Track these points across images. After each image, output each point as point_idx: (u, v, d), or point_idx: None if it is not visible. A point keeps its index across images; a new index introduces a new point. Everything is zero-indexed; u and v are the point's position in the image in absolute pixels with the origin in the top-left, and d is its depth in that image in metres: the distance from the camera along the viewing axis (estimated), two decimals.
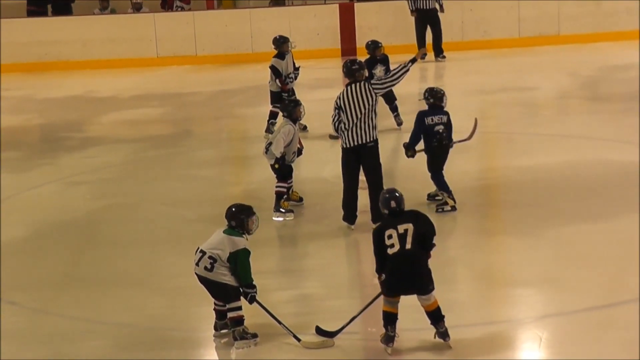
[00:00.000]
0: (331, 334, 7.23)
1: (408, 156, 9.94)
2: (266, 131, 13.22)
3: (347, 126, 9.33)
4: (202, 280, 7.25)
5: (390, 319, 6.96)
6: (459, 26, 19.90)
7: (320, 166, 11.72)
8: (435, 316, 6.94)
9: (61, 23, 20.77)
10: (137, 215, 10.71)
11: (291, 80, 13.24)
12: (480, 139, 13.36)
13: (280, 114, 11.11)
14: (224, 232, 7.28)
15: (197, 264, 7.22)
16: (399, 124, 13.23)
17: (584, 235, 9.15)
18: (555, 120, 13.86)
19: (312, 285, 8.56)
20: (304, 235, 9.89)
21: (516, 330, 7.40)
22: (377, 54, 13.21)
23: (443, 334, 6.96)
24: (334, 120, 9.43)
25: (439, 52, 18.94)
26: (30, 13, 21.72)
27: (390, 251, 6.83)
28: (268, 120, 13.29)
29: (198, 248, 7.27)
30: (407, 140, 10.02)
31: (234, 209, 7.36)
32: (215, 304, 7.39)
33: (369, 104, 9.30)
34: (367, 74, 10.08)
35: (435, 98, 10.00)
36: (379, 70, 13.08)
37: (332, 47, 20.15)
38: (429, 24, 18.88)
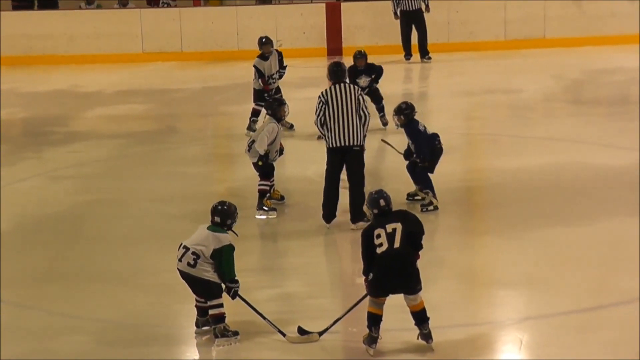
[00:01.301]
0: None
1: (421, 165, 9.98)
2: (248, 129, 13.25)
3: (331, 124, 9.35)
4: (185, 276, 7.24)
5: (375, 320, 6.95)
6: (444, 27, 19.94)
7: (305, 165, 11.72)
8: (421, 317, 6.95)
9: (47, 17, 20.73)
10: (121, 211, 10.69)
11: (274, 80, 13.27)
12: (465, 140, 13.46)
13: (264, 112, 11.09)
14: (208, 228, 7.28)
15: (180, 260, 7.20)
16: (385, 124, 13.25)
17: (567, 237, 9.19)
18: (539, 123, 13.91)
19: (294, 284, 8.56)
20: (286, 233, 9.89)
21: (497, 332, 7.42)
22: (358, 64, 13.18)
23: (426, 335, 6.97)
24: (318, 115, 9.43)
25: (424, 53, 18.97)
26: (16, 7, 21.65)
27: (378, 250, 6.82)
28: (250, 118, 13.31)
29: (181, 244, 7.26)
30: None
31: (218, 206, 7.36)
32: (196, 300, 7.37)
33: (355, 103, 9.35)
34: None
35: (413, 109, 10.01)
36: (362, 81, 13.12)
37: (319, 47, 20.18)
38: (414, 25, 18.90)
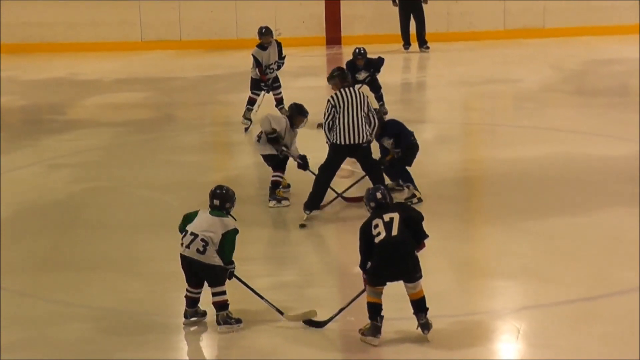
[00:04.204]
0: (319, 324, 7.24)
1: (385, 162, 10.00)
2: (243, 117, 13.26)
3: (340, 124, 9.45)
4: (190, 262, 7.18)
5: (376, 309, 6.95)
6: (444, 17, 19.93)
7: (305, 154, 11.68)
8: (419, 305, 6.94)
9: (46, 5, 20.65)
10: (118, 199, 10.69)
11: (271, 70, 13.26)
12: (463, 130, 13.46)
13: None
14: (211, 213, 7.26)
15: (187, 247, 7.15)
16: (384, 113, 13.24)
17: (565, 228, 9.19)
18: (539, 113, 13.89)
19: (292, 273, 8.56)
20: (287, 222, 9.87)
21: (494, 322, 7.42)
22: (358, 63, 13.15)
23: (423, 325, 6.97)
24: (327, 119, 9.52)
25: (422, 42, 18.95)
26: None
27: (376, 239, 6.84)
28: (246, 106, 13.31)
29: (187, 231, 7.22)
30: None
31: (217, 190, 7.36)
32: (188, 290, 7.32)
33: (364, 106, 9.50)
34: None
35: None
36: (362, 75, 13.12)
37: (318, 35, 20.15)
38: (412, 14, 18.88)
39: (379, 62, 13.26)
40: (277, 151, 10.03)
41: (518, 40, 19.56)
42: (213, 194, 7.36)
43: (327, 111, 9.53)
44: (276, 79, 13.39)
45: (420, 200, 9.86)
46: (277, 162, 10.15)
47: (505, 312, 7.55)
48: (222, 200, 7.33)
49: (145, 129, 13.94)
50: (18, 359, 7.10)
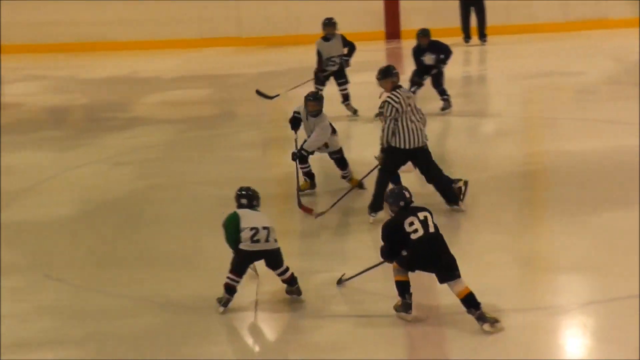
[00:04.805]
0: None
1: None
2: None
3: (401, 127, 9.24)
4: (257, 253, 7.56)
5: (405, 287, 7.24)
6: (504, 10, 19.73)
7: (364, 148, 11.63)
8: (470, 302, 6.99)
9: (105, 4, 20.83)
10: (179, 195, 10.74)
11: (333, 63, 13.22)
12: (524, 123, 13.33)
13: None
14: (253, 209, 7.76)
15: (253, 241, 7.53)
16: (447, 107, 13.16)
17: (629, 222, 9.03)
18: (600, 106, 13.70)
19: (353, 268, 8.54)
20: (349, 212, 9.84)
21: (561, 317, 7.34)
22: (422, 42, 13.08)
23: (479, 318, 6.96)
24: (389, 123, 9.21)
25: (482, 35, 18.83)
26: None
27: (414, 236, 7.10)
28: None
29: (244, 228, 7.53)
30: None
31: (244, 192, 7.86)
32: (234, 280, 7.60)
33: (413, 105, 9.33)
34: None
35: None
36: (427, 58, 13.02)
37: (376, 30, 20.07)
38: (473, 7, 18.76)
39: (447, 50, 13.09)
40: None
41: (579, 32, 19.33)
42: (244, 195, 7.83)
43: (389, 113, 9.25)
44: (342, 74, 13.36)
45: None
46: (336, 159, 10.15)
47: (571, 307, 7.46)
48: (249, 199, 7.81)
49: (205, 126, 14.00)
50: (79, 353, 7.17)
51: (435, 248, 7.12)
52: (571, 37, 19.09)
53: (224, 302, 7.63)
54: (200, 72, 18.30)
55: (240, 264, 7.62)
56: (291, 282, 7.72)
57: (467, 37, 18.96)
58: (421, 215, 7.20)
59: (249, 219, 7.62)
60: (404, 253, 7.16)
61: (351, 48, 13.29)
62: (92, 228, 9.93)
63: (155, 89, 16.89)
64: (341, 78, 13.30)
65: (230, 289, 7.61)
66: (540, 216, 9.70)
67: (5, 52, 20.14)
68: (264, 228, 7.56)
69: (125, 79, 17.99)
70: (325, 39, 13.24)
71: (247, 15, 20.33)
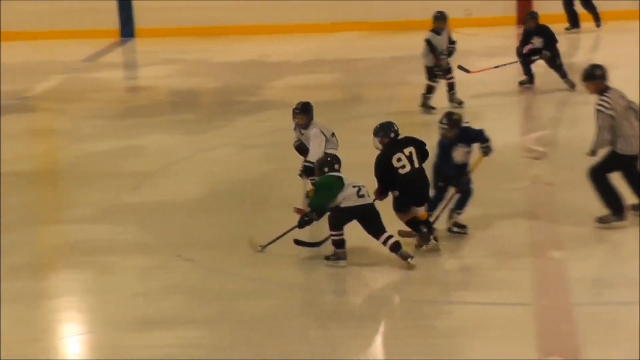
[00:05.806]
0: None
1: None
2: (422, 105, 13.25)
3: (627, 133, 8.66)
4: (362, 207, 8.09)
5: (415, 223, 8.29)
6: None
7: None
8: (427, 222, 8.28)
9: None
10: None
11: (444, 57, 13.20)
12: None
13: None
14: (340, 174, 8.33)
15: (359, 196, 8.10)
16: (572, 86, 13.12)
17: None
18: None
19: (479, 255, 8.50)
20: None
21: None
22: (528, 24, 13.09)
23: (422, 237, 8.21)
24: (603, 133, 8.63)
25: (596, 20, 18.36)
26: None
27: (402, 171, 8.21)
28: (424, 94, 13.31)
29: (347, 185, 8.14)
30: None
31: (329, 159, 8.53)
32: (340, 235, 8.15)
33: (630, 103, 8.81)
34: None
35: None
36: (536, 41, 12.96)
37: (508, 15, 19.80)
38: None
39: (550, 34, 13.08)
40: None
41: None
42: (338, 160, 8.46)
43: (604, 124, 8.59)
44: (449, 69, 13.35)
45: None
46: None
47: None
48: (340, 164, 8.45)
49: (334, 110, 14.04)
50: (210, 333, 7.32)
51: (421, 182, 8.31)
52: None
53: (342, 256, 8.15)
54: (329, 56, 18.36)
55: (343, 220, 8.12)
56: (394, 248, 8.03)
57: (597, 21, 18.45)
58: (407, 151, 8.24)
59: (346, 179, 8.21)
60: (396, 193, 8.21)
61: (453, 45, 13.32)
62: (222, 210, 10.10)
63: (285, 73, 17.03)
64: (447, 73, 13.27)
65: (340, 243, 8.15)
66: None
67: (139, 35, 20.62)
68: (363, 187, 8.15)
69: (256, 62, 18.18)
70: (437, 32, 13.23)
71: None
